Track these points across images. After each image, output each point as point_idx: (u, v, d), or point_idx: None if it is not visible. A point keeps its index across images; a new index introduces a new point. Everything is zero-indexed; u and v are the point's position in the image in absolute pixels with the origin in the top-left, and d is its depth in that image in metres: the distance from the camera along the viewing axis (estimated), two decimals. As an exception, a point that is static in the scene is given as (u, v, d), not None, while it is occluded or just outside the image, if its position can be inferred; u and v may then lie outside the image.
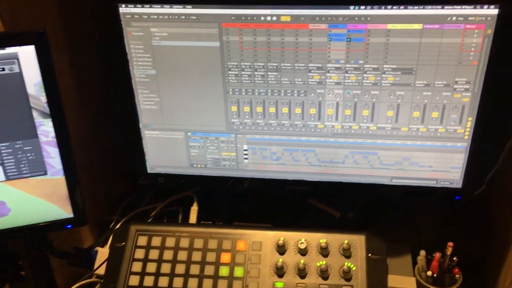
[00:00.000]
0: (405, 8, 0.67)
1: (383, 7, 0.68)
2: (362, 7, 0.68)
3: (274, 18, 0.71)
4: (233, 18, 0.72)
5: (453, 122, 0.74)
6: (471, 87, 0.71)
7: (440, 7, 0.67)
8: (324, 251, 0.72)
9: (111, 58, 0.79)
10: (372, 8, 0.68)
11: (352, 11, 0.69)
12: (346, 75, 0.74)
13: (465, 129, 0.74)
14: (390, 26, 0.69)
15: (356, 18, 0.69)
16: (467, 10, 0.66)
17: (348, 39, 0.71)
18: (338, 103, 0.76)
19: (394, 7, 0.68)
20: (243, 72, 0.76)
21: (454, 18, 0.67)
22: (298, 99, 0.77)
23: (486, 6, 0.66)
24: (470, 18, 0.67)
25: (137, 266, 0.72)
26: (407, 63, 0.71)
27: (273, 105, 0.78)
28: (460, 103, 0.73)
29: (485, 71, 0.70)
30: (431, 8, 0.67)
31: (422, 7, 0.67)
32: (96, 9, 0.80)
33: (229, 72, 0.76)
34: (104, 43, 0.81)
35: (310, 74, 0.74)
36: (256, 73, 0.76)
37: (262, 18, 0.71)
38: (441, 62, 0.70)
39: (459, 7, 0.66)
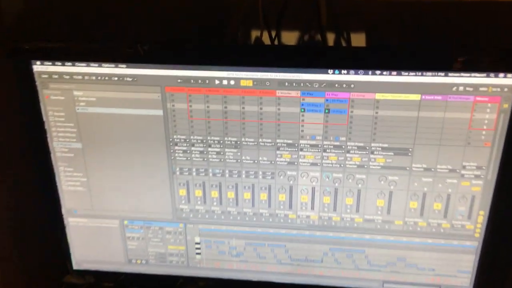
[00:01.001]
0: (399, 74, 0.53)
1: (370, 72, 0.53)
2: (344, 71, 0.53)
3: (232, 82, 0.56)
4: (179, 81, 0.56)
5: (460, 216, 0.58)
6: (483, 173, 0.56)
7: (443, 74, 0.52)
8: None
9: (27, 126, 0.62)
10: (356, 73, 0.53)
11: (331, 76, 0.54)
12: (324, 154, 0.58)
13: (476, 225, 0.59)
14: (379, 96, 0.54)
15: (337, 85, 0.54)
16: (478, 79, 0.52)
17: (326, 111, 0.55)
18: (314, 188, 0.60)
19: (385, 73, 0.53)
20: (193, 148, 0.59)
21: (461, 88, 0.52)
22: (264, 182, 0.60)
23: (502, 75, 0.51)
24: (481, 89, 0.52)
25: None
26: (401, 141, 0.56)
27: (232, 189, 0.61)
28: (469, 193, 0.57)
29: (501, 154, 0.54)
30: (432, 75, 0.52)
31: (420, 73, 0.52)
32: (8, 65, 0.63)
33: (176, 148, 0.60)
34: (17, 107, 0.64)
35: (278, 152, 0.58)
36: (210, 149, 0.59)
37: (217, 81, 0.56)
38: (445, 142, 0.55)
39: (467, 74, 0.52)
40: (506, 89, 0.52)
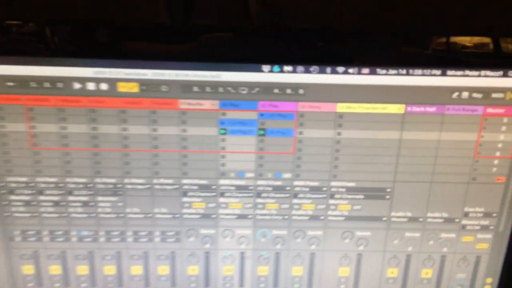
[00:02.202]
0: (373, 72, 0.33)
1: (329, 69, 0.33)
2: (288, 67, 0.33)
3: (105, 87, 0.33)
4: (10, 84, 0.33)
5: (459, 286, 0.40)
6: (494, 223, 0.38)
7: (438, 72, 0.33)
8: None
9: None
10: (307, 71, 0.33)
11: (267, 75, 0.33)
12: (259, 200, 0.37)
13: (480, 297, 0.40)
14: (342, 108, 0.34)
15: (277, 90, 0.34)
16: (491, 80, 0.34)
17: (261, 132, 0.35)
18: (243, 254, 0.38)
19: (351, 70, 0.33)
20: (42, 197, 0.36)
21: (464, 94, 0.34)
22: (164, 247, 0.38)
23: (527, 73, 0.34)
24: (495, 95, 0.34)
25: None
26: (375, 178, 0.36)
27: (112, 261, 0.38)
28: (473, 253, 0.39)
29: (519, 194, 0.37)
30: (422, 75, 0.33)
31: (404, 71, 0.33)
32: None
33: (11, 198, 0.36)
34: None
35: (185, 199, 0.36)
36: (71, 198, 0.36)
37: (77, 85, 0.33)
38: (439, 177, 0.36)
39: (476, 73, 0.34)
40: (528, 96, 0.34)
